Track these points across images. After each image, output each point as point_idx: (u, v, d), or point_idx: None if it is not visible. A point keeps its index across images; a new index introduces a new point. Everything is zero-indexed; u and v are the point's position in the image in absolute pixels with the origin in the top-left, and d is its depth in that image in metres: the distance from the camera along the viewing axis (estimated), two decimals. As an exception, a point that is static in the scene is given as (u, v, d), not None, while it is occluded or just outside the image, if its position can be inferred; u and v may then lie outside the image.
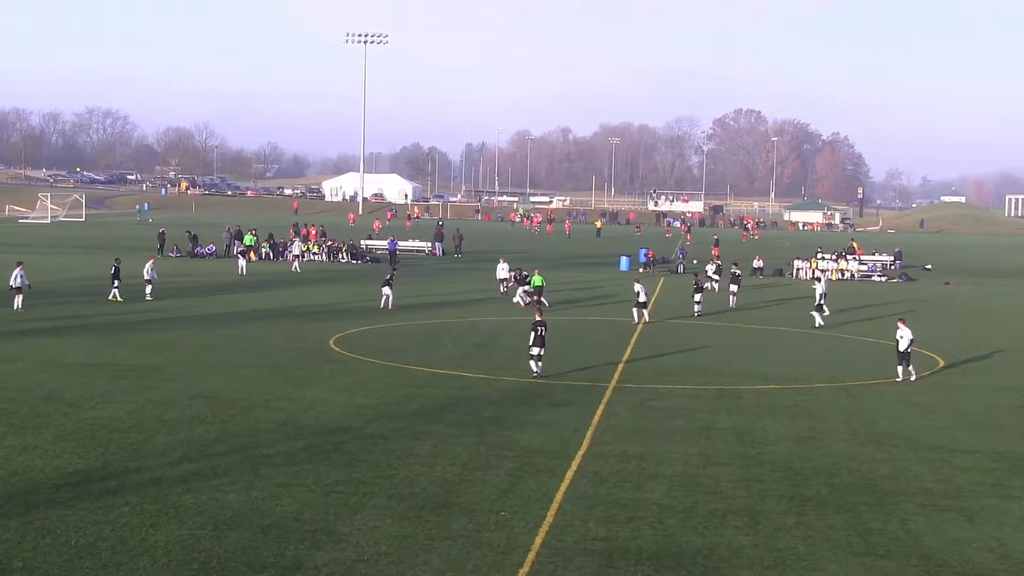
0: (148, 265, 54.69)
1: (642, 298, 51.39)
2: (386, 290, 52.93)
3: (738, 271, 60.54)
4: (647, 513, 21.37)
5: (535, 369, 35.62)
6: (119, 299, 52.15)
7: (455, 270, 79.79)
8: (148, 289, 53.49)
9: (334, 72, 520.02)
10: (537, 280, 56.36)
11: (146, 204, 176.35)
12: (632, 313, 51.32)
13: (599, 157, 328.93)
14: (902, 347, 36.60)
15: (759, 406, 32.33)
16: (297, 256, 78.66)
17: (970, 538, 20.57)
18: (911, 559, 19.26)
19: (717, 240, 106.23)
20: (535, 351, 35.51)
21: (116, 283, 52.99)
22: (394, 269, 57.18)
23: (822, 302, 52.51)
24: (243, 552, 18.43)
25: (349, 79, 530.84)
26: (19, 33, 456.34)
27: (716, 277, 66.34)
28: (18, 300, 48.10)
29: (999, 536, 20.74)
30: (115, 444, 25.33)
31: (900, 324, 37.35)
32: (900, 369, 36.73)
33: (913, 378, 36.59)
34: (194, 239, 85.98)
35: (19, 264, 49.53)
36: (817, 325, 50.73)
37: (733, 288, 59.01)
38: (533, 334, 35.40)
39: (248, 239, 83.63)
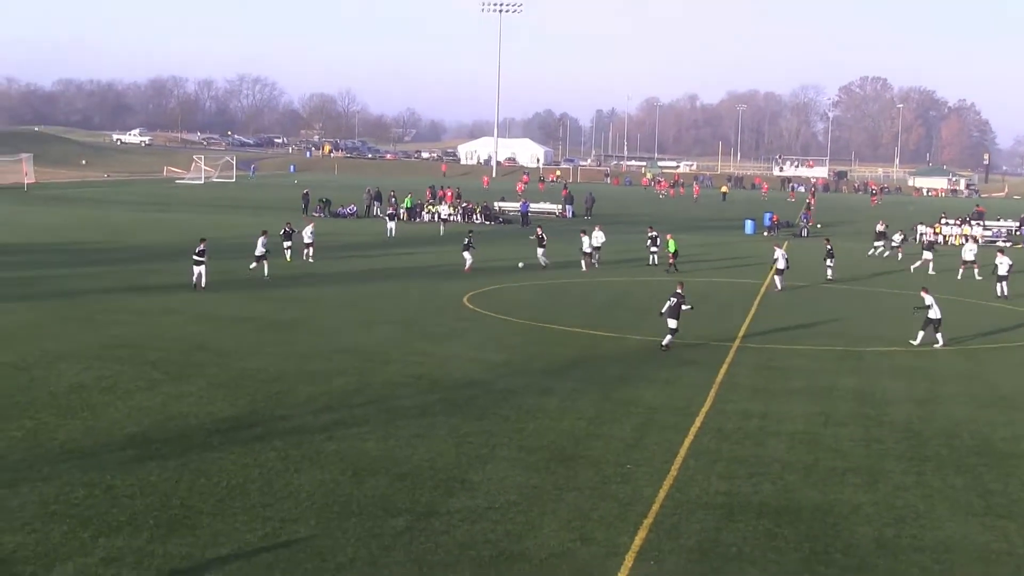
0: (309, 228, 55.47)
1: (780, 264, 49.89)
2: (467, 255, 51.86)
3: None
4: (768, 469, 21.20)
5: (666, 340, 33.21)
6: (290, 260, 52.46)
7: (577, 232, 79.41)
8: (310, 251, 54.16)
9: (470, 40, 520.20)
10: (671, 245, 55.15)
11: (291, 166, 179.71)
12: (775, 281, 50.02)
13: (725, 123, 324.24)
14: (932, 315, 35.01)
15: (880, 368, 31.80)
16: (445, 220, 78.76)
17: (1091, 502, 20.02)
18: (1031, 521, 18.82)
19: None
20: (671, 323, 33.15)
21: (287, 244, 53.37)
22: (469, 235, 53.91)
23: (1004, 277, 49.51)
24: (380, 497, 18.76)
25: (485, 46, 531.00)
26: (175, 6, 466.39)
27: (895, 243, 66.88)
28: (264, 266, 46.69)
29: (1120, 501, 20.15)
30: (261, 393, 25.93)
31: (923, 293, 35.98)
32: (927, 336, 35.15)
33: (939, 344, 35.02)
34: (327, 203, 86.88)
35: (264, 232, 47.73)
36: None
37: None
38: (667, 304, 33.40)
39: (407, 201, 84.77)
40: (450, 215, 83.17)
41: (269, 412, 24.27)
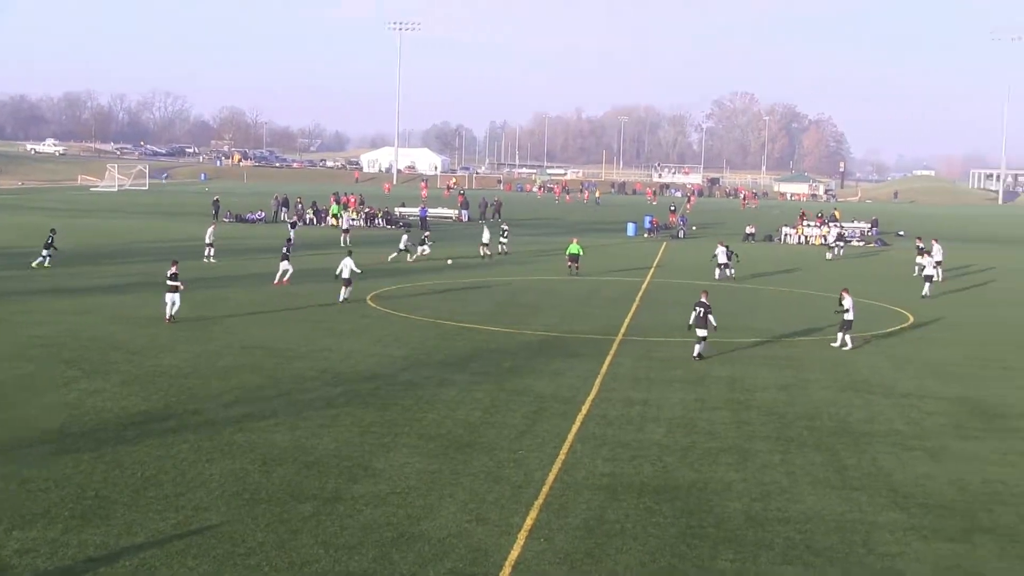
0: (210, 230, 54.72)
1: (721, 259, 52.93)
2: (284, 264, 46.07)
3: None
4: (648, 452, 21.44)
5: (696, 351, 31.52)
6: (46, 266, 48.34)
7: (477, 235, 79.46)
8: (211, 252, 53.40)
9: (372, 55, 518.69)
10: (574, 248, 53.28)
11: (203, 174, 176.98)
12: (714, 273, 52.98)
13: (609, 134, 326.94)
14: (848, 317, 34.10)
15: (750, 357, 32.31)
16: (347, 231, 70.49)
17: (933, 473, 20.63)
18: (881, 492, 19.33)
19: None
20: (699, 332, 31.41)
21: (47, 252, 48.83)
22: (288, 241, 50.80)
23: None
24: (288, 485, 18.59)
25: (386, 62, 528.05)
26: (91, 22, 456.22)
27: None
28: (345, 292, 41.10)
29: (958, 471, 20.82)
30: (175, 388, 25.50)
31: (844, 294, 34.72)
32: (840, 336, 34.31)
33: (848, 346, 34.09)
34: (217, 206, 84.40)
35: (350, 253, 43.53)
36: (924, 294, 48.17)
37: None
38: (694, 314, 31.58)
39: (334, 209, 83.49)
40: (354, 220, 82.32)
41: (182, 407, 23.87)
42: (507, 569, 15.29)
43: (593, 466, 20.36)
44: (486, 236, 61.22)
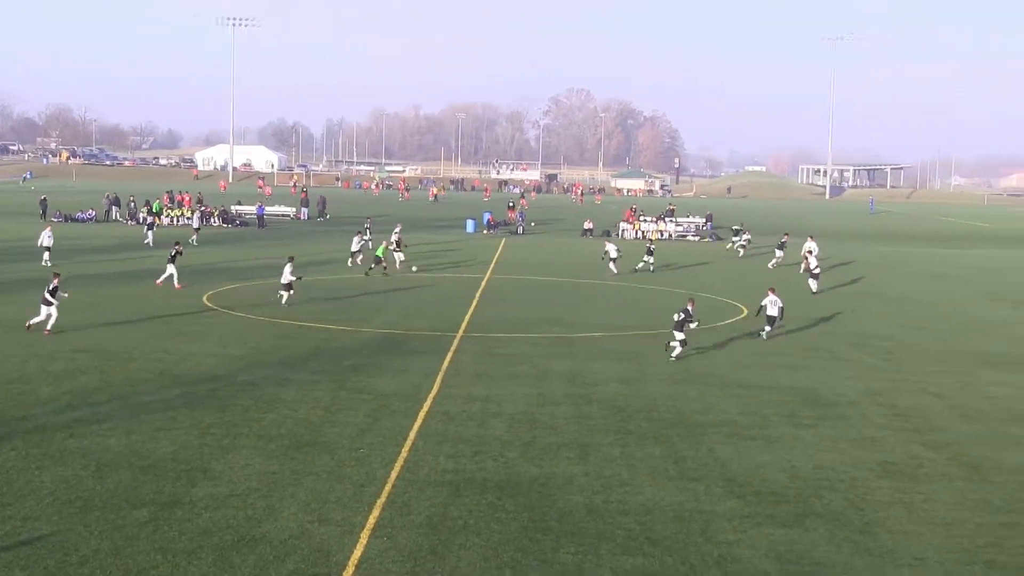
0: (46, 233, 52.83)
1: (613, 255, 53.96)
2: (170, 267, 44.42)
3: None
4: (491, 448, 21.56)
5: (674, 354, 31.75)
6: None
7: (317, 232, 78.82)
8: (47, 255, 51.48)
9: (205, 52, 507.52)
10: (379, 250, 52.64)
11: (28, 172, 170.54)
12: (610, 267, 53.97)
13: (447, 131, 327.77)
14: (770, 311, 35.78)
15: (589, 352, 32.78)
16: (197, 229, 68.90)
17: (768, 461, 21.29)
18: (717, 481, 19.85)
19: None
20: (677, 336, 31.68)
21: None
22: (176, 244, 46.37)
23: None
24: (123, 490, 18.08)
25: (219, 58, 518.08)
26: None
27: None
28: (287, 295, 39.92)
29: (791, 459, 21.52)
30: (1, 395, 24.51)
31: (770, 293, 36.56)
32: (771, 329, 35.96)
33: (763, 335, 35.76)
34: (44, 205, 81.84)
35: (290, 259, 41.25)
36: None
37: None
38: (675, 318, 32.01)
39: (156, 205, 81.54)
40: (189, 219, 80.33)
41: (9, 413, 22.95)
42: (350, 568, 15.19)
43: (436, 463, 20.37)
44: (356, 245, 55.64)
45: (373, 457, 20.58)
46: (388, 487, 18.78)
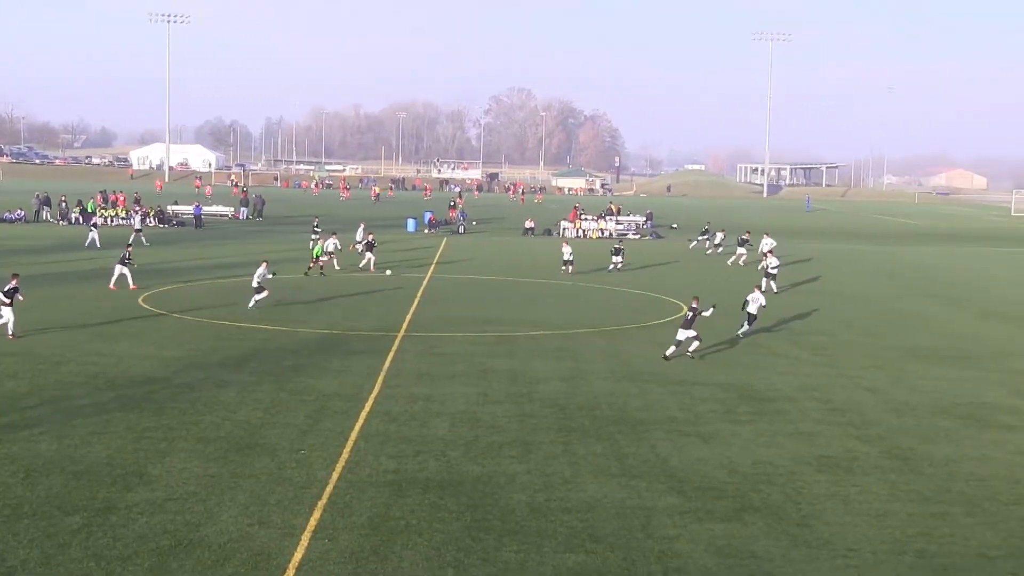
0: None
1: (566, 257, 54.33)
2: (118, 268, 43.91)
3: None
4: (433, 447, 21.43)
5: (668, 352, 31.83)
6: None
7: (257, 232, 78.16)
8: None
9: (139, 49, 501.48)
10: (317, 250, 51.69)
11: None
12: (562, 270, 54.12)
13: (387, 130, 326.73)
14: (751, 309, 35.93)
15: (530, 350, 32.75)
16: (139, 230, 67.36)
17: (707, 457, 21.38)
18: (659, 478, 19.89)
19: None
20: (679, 335, 31.72)
21: None
22: (128, 247, 46.38)
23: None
24: (55, 496, 17.71)
25: (154, 56, 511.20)
26: None
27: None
28: (258, 298, 38.67)
29: (729, 454, 21.64)
30: (-71, 400, 23.96)
31: (755, 290, 36.84)
32: (750, 326, 36.15)
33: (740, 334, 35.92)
34: None
35: (264, 263, 40.68)
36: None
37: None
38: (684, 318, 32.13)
39: (90, 205, 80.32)
40: (124, 220, 79.26)
41: (-63, 418, 22.44)
42: (291, 571, 14.99)
43: (377, 463, 20.21)
44: (332, 245, 53.69)
45: (314, 458, 20.37)
46: (329, 488, 18.59)
